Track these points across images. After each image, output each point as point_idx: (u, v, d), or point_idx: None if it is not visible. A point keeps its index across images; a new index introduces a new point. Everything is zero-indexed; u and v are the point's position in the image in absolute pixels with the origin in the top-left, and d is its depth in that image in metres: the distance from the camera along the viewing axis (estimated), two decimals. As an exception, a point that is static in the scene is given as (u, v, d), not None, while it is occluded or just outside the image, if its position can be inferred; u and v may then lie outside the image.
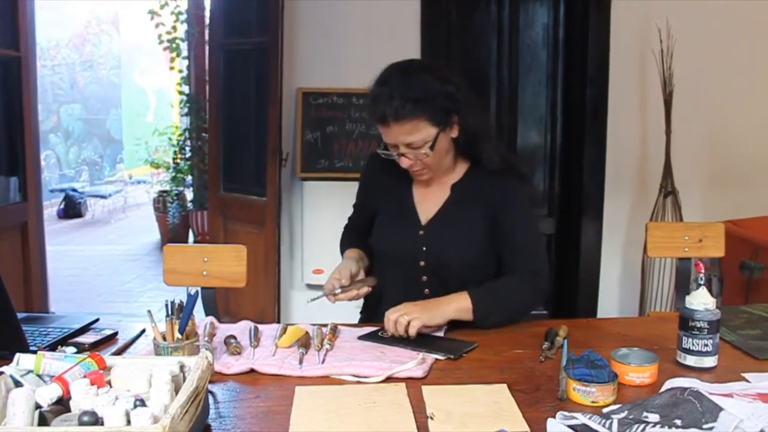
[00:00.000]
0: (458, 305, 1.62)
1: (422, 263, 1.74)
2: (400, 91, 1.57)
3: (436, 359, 1.45)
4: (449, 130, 1.65)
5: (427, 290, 1.74)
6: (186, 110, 6.82)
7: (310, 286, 3.60)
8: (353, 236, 1.94)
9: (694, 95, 3.57)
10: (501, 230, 1.71)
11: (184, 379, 1.14)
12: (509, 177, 1.73)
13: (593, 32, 3.61)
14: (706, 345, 1.37)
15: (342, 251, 1.90)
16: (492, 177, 1.72)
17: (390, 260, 1.79)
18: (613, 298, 3.82)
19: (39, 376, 1.15)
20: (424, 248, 1.73)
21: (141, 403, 1.02)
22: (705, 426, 1.05)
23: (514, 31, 3.80)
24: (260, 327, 1.61)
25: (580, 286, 3.78)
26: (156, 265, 6.26)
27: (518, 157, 1.81)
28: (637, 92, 3.65)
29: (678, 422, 1.06)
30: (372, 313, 1.85)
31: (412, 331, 1.53)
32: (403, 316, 1.54)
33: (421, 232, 1.75)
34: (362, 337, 1.59)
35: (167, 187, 7.20)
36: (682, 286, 2.27)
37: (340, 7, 3.52)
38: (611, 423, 1.07)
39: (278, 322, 1.93)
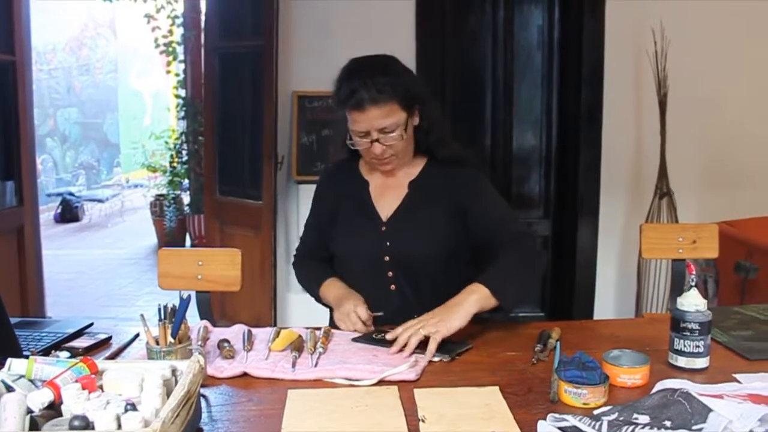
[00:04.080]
0: (477, 296, 1.55)
1: (387, 258, 1.76)
2: (374, 77, 1.62)
3: (430, 361, 1.46)
4: (413, 117, 1.72)
5: (393, 286, 1.77)
6: (183, 114, 6.82)
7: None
8: (316, 263, 1.89)
9: (689, 97, 3.58)
10: (474, 218, 1.75)
11: (176, 383, 1.14)
12: (465, 168, 1.80)
13: (588, 34, 3.62)
14: (697, 346, 1.37)
15: (310, 283, 1.85)
16: (448, 172, 1.78)
17: (355, 259, 1.80)
18: (609, 299, 3.82)
19: (31, 380, 1.15)
20: (388, 243, 1.76)
21: (132, 407, 1.02)
22: (694, 427, 1.05)
23: (509, 33, 3.82)
24: (254, 331, 1.62)
25: (576, 288, 3.79)
26: (153, 269, 6.25)
27: (474, 152, 1.88)
28: (631, 94, 3.66)
29: (668, 423, 1.06)
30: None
31: (432, 348, 1.46)
32: (419, 331, 1.48)
33: (383, 228, 1.77)
34: (356, 339, 1.59)
35: (164, 191, 7.20)
36: (677, 287, 2.27)
37: (334, 9, 3.53)
38: (601, 425, 1.07)
39: (275, 325, 1.93)
